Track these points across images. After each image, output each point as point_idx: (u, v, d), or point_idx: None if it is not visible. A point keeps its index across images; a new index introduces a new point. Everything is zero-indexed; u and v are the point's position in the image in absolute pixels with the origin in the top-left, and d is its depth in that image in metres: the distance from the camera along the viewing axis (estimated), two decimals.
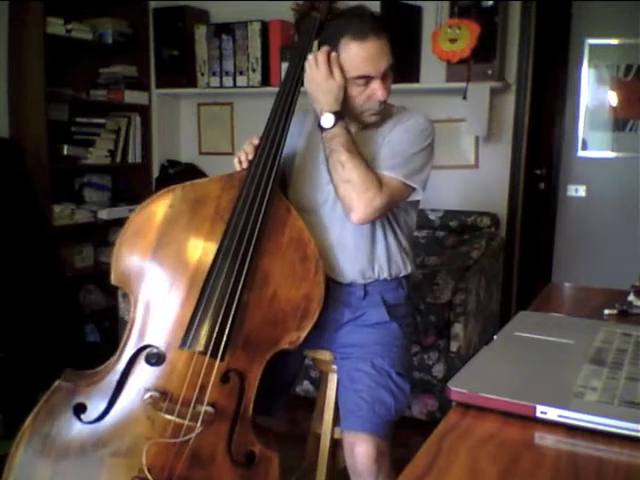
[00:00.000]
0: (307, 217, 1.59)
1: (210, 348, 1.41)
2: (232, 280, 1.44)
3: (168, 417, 1.40)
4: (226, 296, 1.43)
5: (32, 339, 2.72)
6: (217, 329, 1.41)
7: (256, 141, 1.58)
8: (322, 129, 1.54)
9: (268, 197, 1.51)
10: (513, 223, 3.31)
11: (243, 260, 1.46)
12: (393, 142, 1.57)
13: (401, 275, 1.68)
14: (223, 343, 1.42)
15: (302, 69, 1.59)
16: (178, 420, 1.40)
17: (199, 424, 1.40)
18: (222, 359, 1.43)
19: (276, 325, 1.52)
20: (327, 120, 1.53)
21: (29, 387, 1.80)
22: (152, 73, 3.69)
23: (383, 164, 1.55)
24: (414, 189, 1.58)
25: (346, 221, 1.59)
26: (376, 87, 1.54)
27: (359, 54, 1.51)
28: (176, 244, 1.50)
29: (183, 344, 1.43)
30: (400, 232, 1.67)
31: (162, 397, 1.42)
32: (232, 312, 1.43)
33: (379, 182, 1.51)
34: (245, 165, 1.57)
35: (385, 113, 1.63)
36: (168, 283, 1.50)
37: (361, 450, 1.51)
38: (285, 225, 1.54)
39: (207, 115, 3.88)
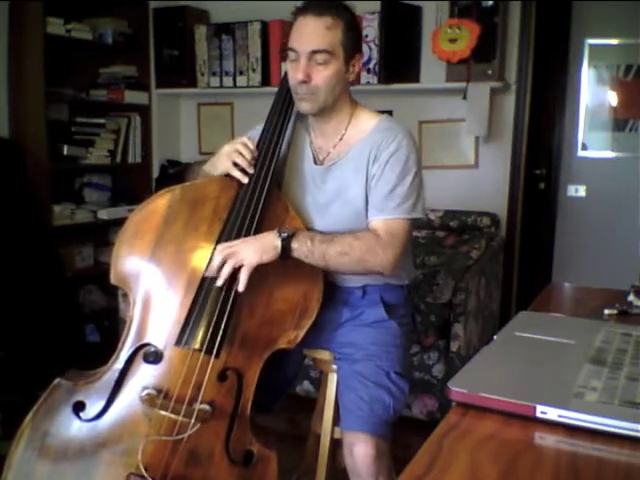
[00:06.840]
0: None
1: (205, 345, 1.42)
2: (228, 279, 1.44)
3: (162, 413, 1.40)
4: (222, 294, 1.43)
5: (32, 339, 2.72)
6: (212, 327, 1.42)
7: (250, 144, 1.58)
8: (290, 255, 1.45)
9: (265, 197, 1.52)
10: (513, 223, 3.30)
11: None
12: (386, 182, 1.52)
13: (399, 284, 1.68)
14: (218, 340, 1.42)
15: None
16: (172, 416, 1.40)
17: (193, 420, 1.40)
18: (217, 356, 1.43)
19: (273, 324, 1.52)
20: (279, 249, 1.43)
21: (29, 387, 1.80)
22: (152, 73, 3.68)
23: (384, 207, 1.52)
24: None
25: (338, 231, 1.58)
26: (297, 65, 1.50)
27: (295, 27, 1.52)
28: (174, 244, 1.51)
29: (179, 341, 1.44)
30: None
31: (158, 394, 1.43)
32: (227, 310, 1.43)
33: (374, 238, 1.49)
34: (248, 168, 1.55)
35: (356, 120, 1.59)
36: (166, 282, 1.50)
37: (360, 450, 1.51)
38: (283, 225, 1.54)
39: (207, 115, 3.88)
